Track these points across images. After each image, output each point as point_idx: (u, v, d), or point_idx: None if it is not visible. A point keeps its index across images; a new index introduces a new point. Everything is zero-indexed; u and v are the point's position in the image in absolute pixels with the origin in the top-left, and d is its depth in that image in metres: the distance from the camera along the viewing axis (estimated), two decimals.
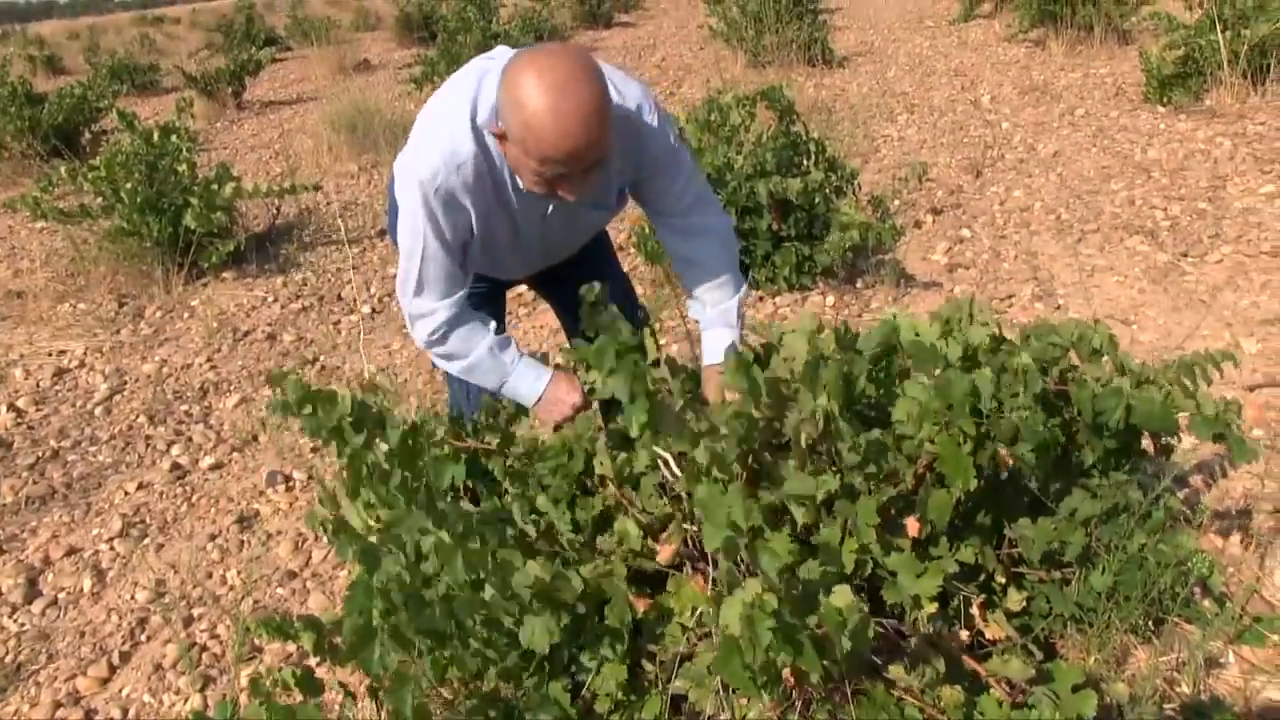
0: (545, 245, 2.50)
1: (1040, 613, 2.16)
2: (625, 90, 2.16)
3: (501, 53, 2.19)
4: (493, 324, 2.44)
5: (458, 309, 2.36)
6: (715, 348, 2.45)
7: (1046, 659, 2.14)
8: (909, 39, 13.02)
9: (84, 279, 6.20)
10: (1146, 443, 2.14)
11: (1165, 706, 2.03)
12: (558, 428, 2.43)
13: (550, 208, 2.28)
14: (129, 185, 5.90)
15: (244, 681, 2.72)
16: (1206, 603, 2.31)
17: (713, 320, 2.48)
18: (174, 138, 6.31)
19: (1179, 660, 2.24)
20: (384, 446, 2.32)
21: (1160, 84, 7.74)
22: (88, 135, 10.43)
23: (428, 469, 2.24)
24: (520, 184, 2.10)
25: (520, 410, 2.49)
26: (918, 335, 2.02)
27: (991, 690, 1.86)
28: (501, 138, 1.98)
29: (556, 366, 2.50)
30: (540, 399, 2.42)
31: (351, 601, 1.85)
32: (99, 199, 6.08)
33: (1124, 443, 2.03)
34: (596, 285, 2.09)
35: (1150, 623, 2.20)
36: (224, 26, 21.28)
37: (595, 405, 2.46)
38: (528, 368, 2.43)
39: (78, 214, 6.07)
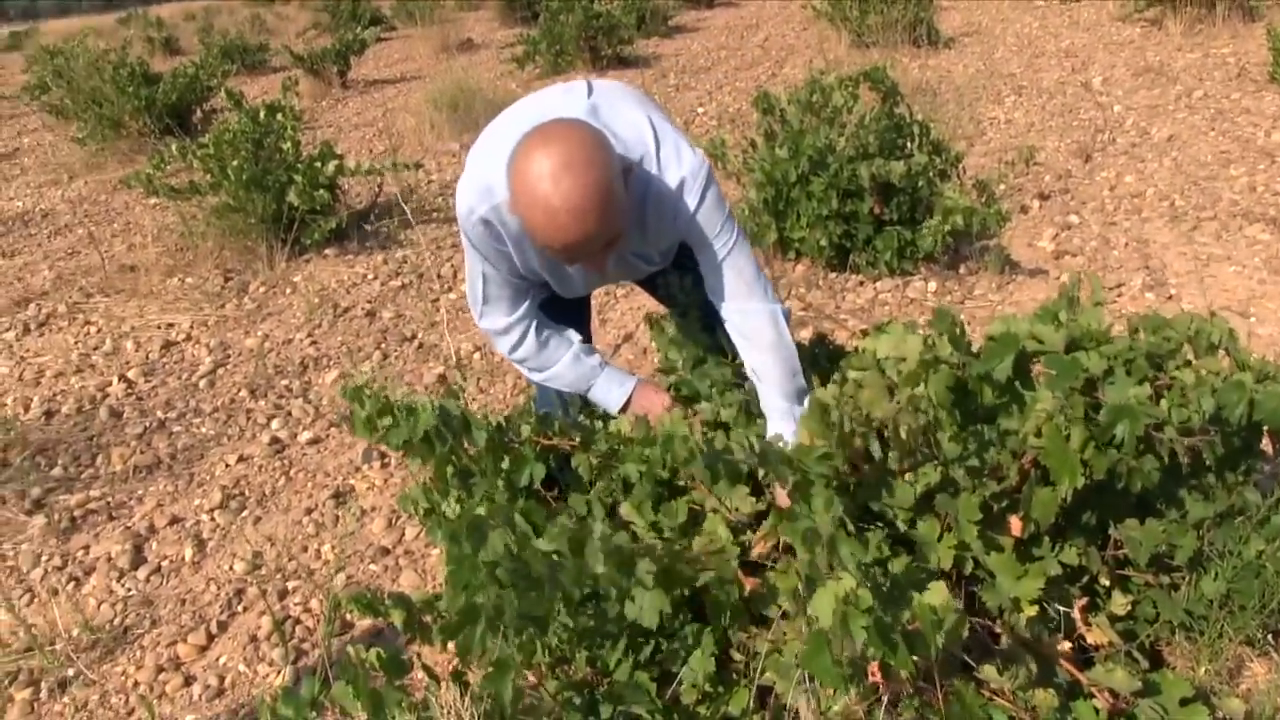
0: (607, 281, 2.56)
1: (1146, 618, 2.07)
2: (670, 165, 2.10)
3: (578, 90, 2.23)
4: (575, 335, 2.45)
5: (530, 321, 2.38)
6: (779, 424, 2.28)
7: (1152, 668, 2.05)
8: (1018, 19, 12.68)
9: (192, 254, 6.34)
10: (1266, 443, 2.04)
11: None
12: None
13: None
14: (235, 163, 6.00)
15: (334, 655, 2.76)
16: None
17: (783, 417, 2.28)
18: (279, 116, 6.41)
19: None
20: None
21: None
22: (199, 114, 10.68)
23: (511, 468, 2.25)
24: None
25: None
26: (1041, 343, 1.92)
27: (1093, 698, 1.78)
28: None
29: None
30: (627, 405, 2.43)
31: (456, 577, 1.84)
32: (207, 176, 6.20)
33: (1244, 442, 1.93)
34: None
35: (1269, 635, 2.10)
36: (331, 7, 21.61)
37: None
38: (612, 374, 2.44)
39: (187, 190, 6.20)
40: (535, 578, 1.77)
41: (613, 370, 2.45)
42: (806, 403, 2.22)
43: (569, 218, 1.79)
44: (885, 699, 1.74)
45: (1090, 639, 1.97)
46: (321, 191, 6.11)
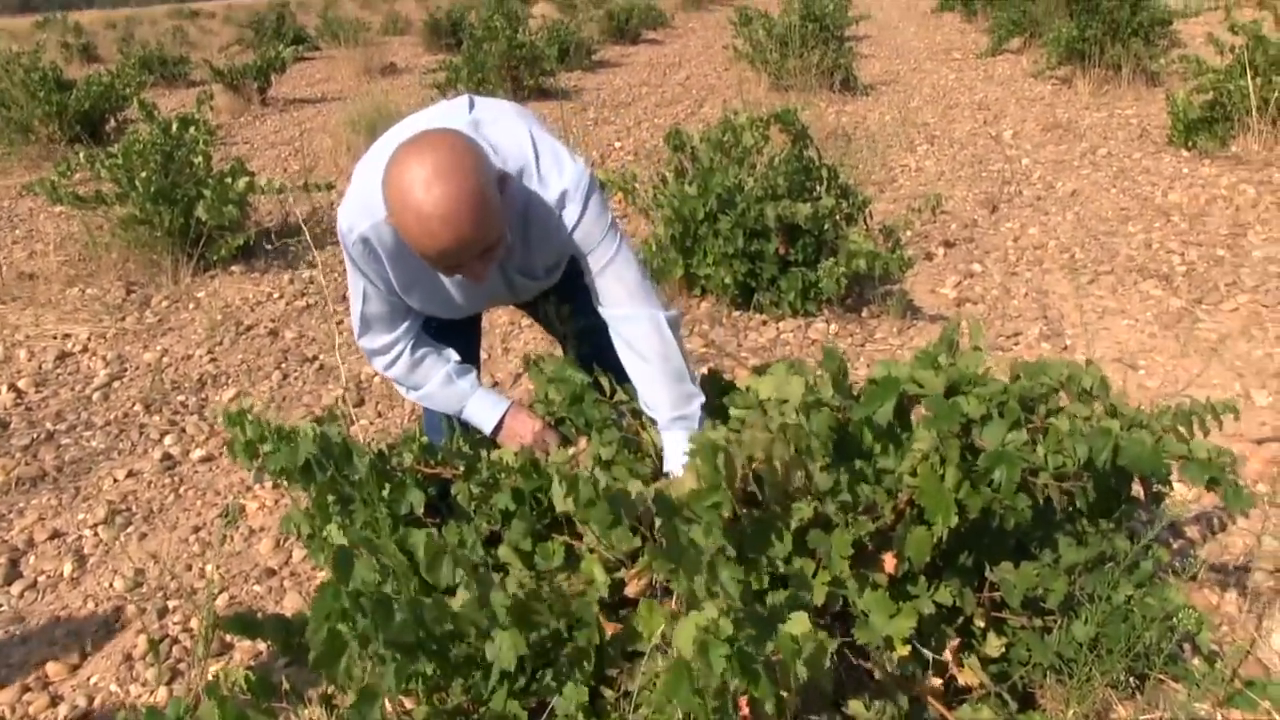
0: (494, 301, 2.52)
1: (1019, 660, 2.10)
2: (550, 177, 2.11)
3: (459, 104, 2.23)
4: (452, 354, 2.44)
5: (409, 341, 2.37)
6: (675, 453, 2.21)
7: (1023, 709, 2.08)
8: (935, 70, 12.97)
9: (95, 265, 6.20)
10: (1138, 489, 2.09)
11: None
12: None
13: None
14: (144, 174, 5.89)
15: (209, 678, 2.69)
16: (1196, 661, 2.25)
17: (668, 424, 2.26)
18: (192, 129, 6.31)
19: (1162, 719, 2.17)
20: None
21: (1186, 127, 7.67)
22: (112, 124, 10.48)
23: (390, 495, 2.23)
24: None
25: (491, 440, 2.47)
26: (921, 386, 1.95)
27: None
28: None
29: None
30: (499, 427, 2.41)
31: (319, 605, 1.81)
32: (115, 186, 6.08)
33: (1112, 487, 1.97)
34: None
35: (1134, 678, 2.14)
36: (256, 23, 21.43)
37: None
38: (484, 396, 2.43)
39: (93, 200, 6.07)
40: (398, 613, 1.75)
41: (485, 392, 2.43)
42: (697, 410, 2.23)
43: (441, 224, 1.78)
44: None
45: (961, 680, 1.99)
46: (231, 208, 6.01)
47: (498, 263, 2.10)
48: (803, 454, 1.75)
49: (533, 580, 2.11)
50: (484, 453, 2.34)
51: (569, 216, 2.12)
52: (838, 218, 4.89)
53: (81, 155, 6.37)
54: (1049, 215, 6.46)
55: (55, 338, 5.25)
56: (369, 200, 2.03)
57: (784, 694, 1.51)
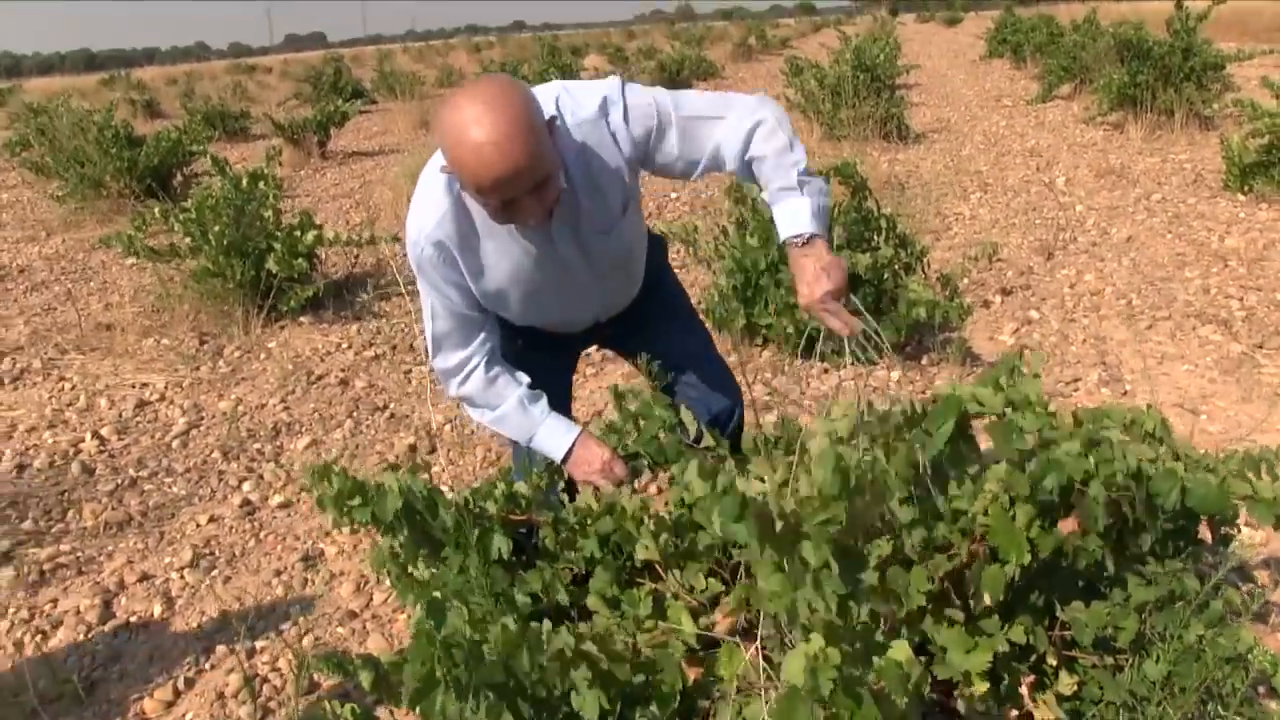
0: (578, 284, 2.47)
1: (1092, 698, 2.16)
2: (585, 96, 2.19)
3: None
4: (524, 377, 2.50)
5: (482, 358, 2.44)
6: (788, 219, 2.20)
7: None
8: (986, 118, 13.06)
9: (168, 315, 6.41)
10: (1205, 532, 2.15)
11: None
12: (596, 491, 2.47)
13: (558, 245, 2.31)
14: (217, 228, 6.10)
15: (302, 714, 2.79)
16: (1273, 705, 2.29)
17: (778, 194, 2.23)
18: (261, 184, 6.52)
19: None
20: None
21: (1241, 172, 7.68)
22: (180, 178, 10.80)
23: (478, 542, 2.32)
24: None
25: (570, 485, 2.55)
26: (981, 404, 2.04)
27: None
28: (454, 174, 2.05)
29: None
30: (569, 455, 2.47)
31: (416, 649, 1.91)
32: (188, 239, 6.29)
33: (1180, 528, 2.04)
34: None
35: (1207, 717, 2.19)
36: (313, 77, 21.92)
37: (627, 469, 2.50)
38: (556, 423, 2.49)
39: (167, 253, 6.29)
40: (490, 661, 1.85)
41: (557, 419, 2.49)
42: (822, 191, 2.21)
43: (494, 150, 1.86)
44: None
45: (1038, 716, 2.06)
46: (300, 260, 6.22)
47: (568, 225, 2.22)
48: (881, 484, 1.83)
49: (618, 627, 2.21)
50: (568, 499, 2.45)
51: (615, 115, 2.20)
52: (897, 267, 4.98)
53: (156, 210, 6.60)
54: (1105, 261, 6.50)
55: (134, 386, 5.44)
56: (431, 198, 2.19)
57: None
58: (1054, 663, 2.12)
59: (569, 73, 13.22)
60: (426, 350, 2.46)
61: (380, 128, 16.36)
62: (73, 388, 5.47)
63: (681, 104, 2.25)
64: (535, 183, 1.98)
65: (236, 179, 6.43)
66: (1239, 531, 2.12)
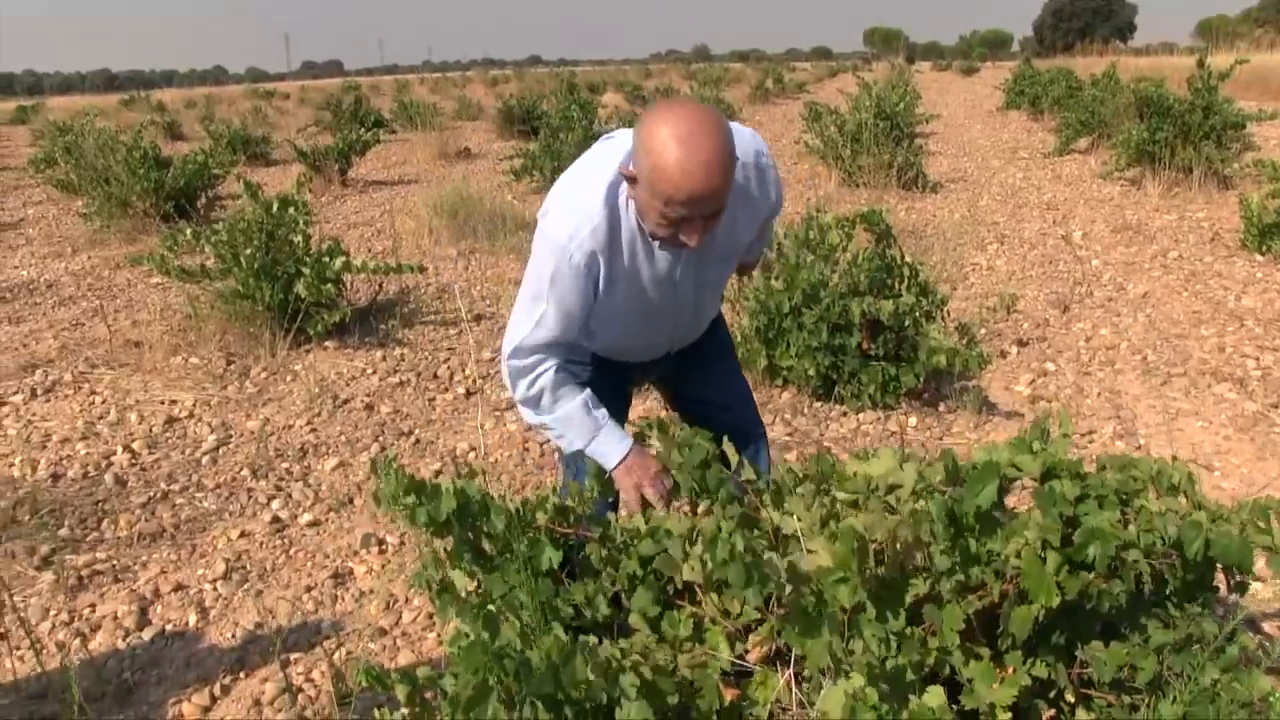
0: (675, 310, 2.61)
1: None
2: (745, 140, 2.37)
3: (621, 133, 2.41)
4: (585, 387, 2.58)
5: (557, 365, 2.51)
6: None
7: None
8: (1003, 169, 13.23)
9: (195, 335, 6.53)
10: (1220, 580, 2.26)
11: None
12: (644, 505, 2.57)
13: (679, 269, 2.44)
14: (248, 251, 6.24)
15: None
16: None
17: None
18: (291, 210, 6.66)
19: None
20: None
21: (1260, 232, 7.78)
22: (204, 199, 10.96)
23: (528, 552, 2.42)
24: (648, 236, 2.28)
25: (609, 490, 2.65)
26: (1019, 469, 2.16)
27: None
28: (632, 181, 2.16)
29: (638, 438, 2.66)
30: (623, 461, 2.54)
31: (468, 659, 2.00)
32: (219, 261, 6.42)
33: (1199, 577, 2.14)
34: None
35: None
36: (332, 105, 22.15)
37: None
38: (614, 430, 2.56)
39: (198, 274, 6.41)
40: (539, 672, 1.94)
41: (615, 426, 2.57)
42: None
43: (701, 168, 2.00)
44: None
45: None
46: (328, 285, 6.35)
47: (699, 251, 2.34)
48: (924, 538, 1.95)
49: (657, 646, 2.31)
50: (614, 516, 2.55)
51: (769, 166, 2.46)
52: (918, 314, 5.10)
53: (188, 231, 6.74)
54: (1120, 316, 6.62)
55: (163, 403, 5.55)
56: (585, 205, 2.27)
57: None
58: (1073, 700, 2.23)
59: (590, 111, 13.40)
60: (508, 343, 2.50)
61: (400, 157, 16.55)
62: (103, 401, 5.58)
63: None
64: (718, 208, 2.15)
65: (267, 203, 6.56)
66: (1254, 580, 2.22)
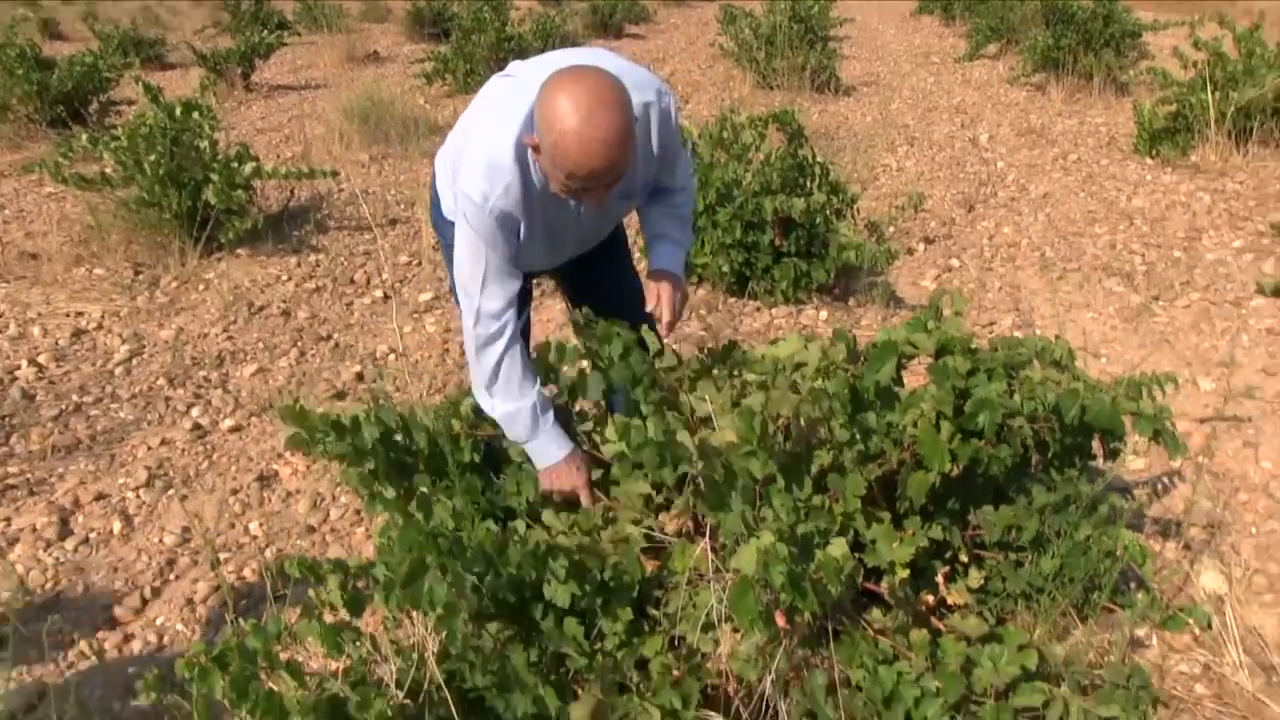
0: (579, 238, 2.74)
1: (995, 591, 2.45)
2: (642, 86, 2.40)
3: (518, 69, 2.47)
4: (539, 382, 2.62)
5: (515, 333, 2.54)
6: (667, 256, 2.73)
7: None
8: (914, 73, 13.37)
9: (99, 246, 6.40)
10: (1097, 448, 2.45)
11: (1094, 672, 2.33)
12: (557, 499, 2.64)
13: (583, 208, 2.52)
14: (152, 158, 6.11)
15: (267, 617, 2.98)
16: (1140, 595, 2.62)
17: (673, 241, 2.76)
18: (196, 114, 6.52)
19: (1109, 640, 2.56)
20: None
21: (1151, 137, 8.14)
22: (96, 104, 10.54)
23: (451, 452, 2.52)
24: (552, 188, 2.33)
25: None
26: (915, 347, 2.32)
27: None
28: (535, 149, 2.22)
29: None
30: (553, 466, 2.58)
31: (404, 537, 2.10)
32: (119, 168, 6.28)
33: (1077, 444, 2.33)
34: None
35: (1088, 605, 2.51)
36: (231, 6, 21.38)
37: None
38: (556, 434, 2.58)
39: (98, 182, 6.28)
40: (470, 552, 2.06)
41: (559, 431, 2.59)
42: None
43: (601, 146, 2.06)
44: (785, 640, 2.09)
45: (950, 600, 2.35)
46: (239, 192, 6.27)
47: None
48: (824, 412, 2.09)
49: (575, 531, 2.44)
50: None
51: (666, 123, 2.49)
52: (828, 213, 5.24)
53: (84, 138, 6.56)
54: (1022, 216, 6.89)
55: (68, 315, 5.47)
56: (495, 163, 2.30)
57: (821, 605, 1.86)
58: (965, 559, 2.42)
59: (501, 10, 13.17)
60: (465, 310, 2.53)
61: (305, 61, 16.10)
62: (2, 316, 5.47)
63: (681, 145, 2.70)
64: (619, 179, 2.22)
65: (170, 108, 6.41)
66: (1125, 446, 2.42)
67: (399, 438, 2.60)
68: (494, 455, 2.74)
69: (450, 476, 2.56)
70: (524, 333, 2.91)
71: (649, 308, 2.67)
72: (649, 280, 2.71)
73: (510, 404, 2.55)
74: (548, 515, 2.49)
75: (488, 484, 2.60)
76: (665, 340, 2.65)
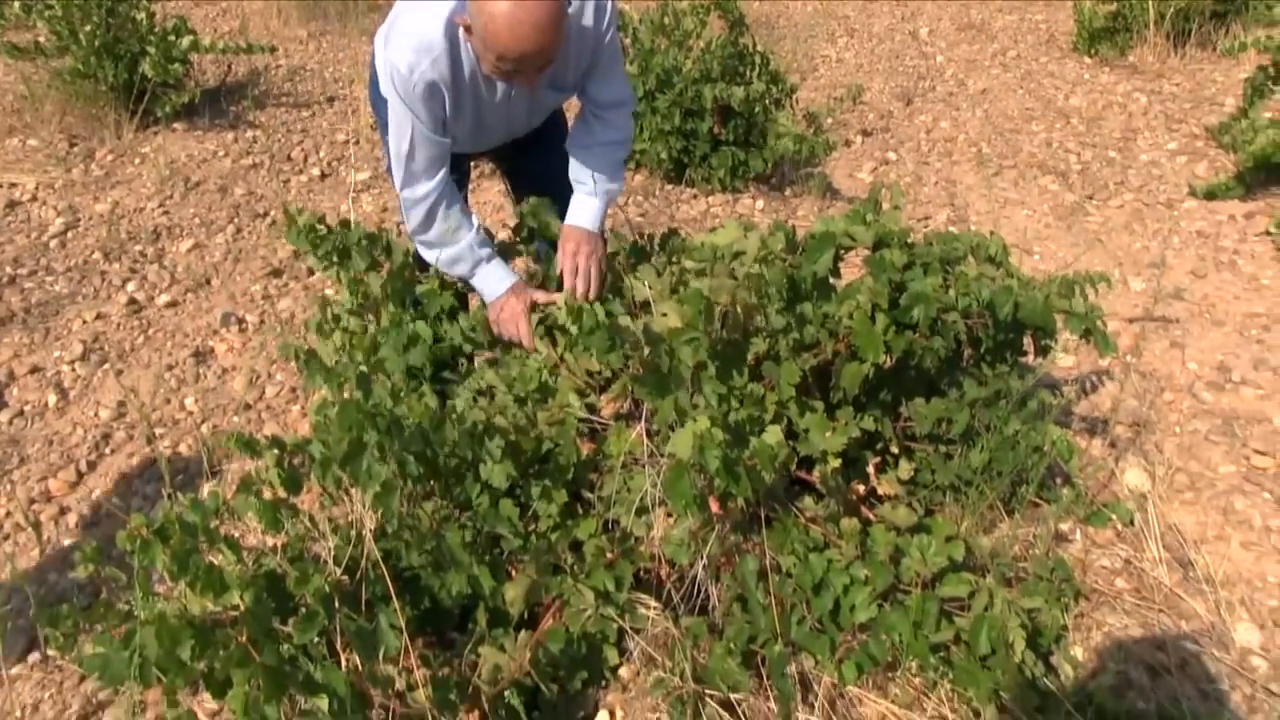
0: (509, 123, 2.76)
1: (925, 483, 2.52)
2: None
3: None
4: (476, 220, 2.71)
5: (446, 190, 2.61)
6: (583, 211, 2.73)
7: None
8: None
9: (31, 116, 6.22)
10: (1028, 345, 2.50)
11: (1019, 564, 2.41)
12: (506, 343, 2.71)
13: (513, 93, 2.53)
14: (88, 29, 5.92)
15: (206, 492, 2.99)
16: (1065, 490, 2.70)
17: (590, 191, 2.75)
18: None
19: (1034, 534, 2.64)
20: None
21: (1090, 36, 8.12)
22: None
23: (422, 298, 2.55)
24: (483, 70, 2.34)
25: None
26: (853, 239, 2.34)
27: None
28: (467, 29, 2.22)
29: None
30: (497, 299, 2.67)
31: (342, 416, 2.11)
32: (53, 38, 6.09)
33: (1009, 340, 2.38)
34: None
35: (1015, 499, 2.58)
36: None
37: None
38: (497, 268, 2.69)
39: (32, 51, 6.08)
40: (410, 431, 2.08)
41: (500, 265, 2.70)
42: (618, 189, 2.78)
43: (531, 29, 2.07)
44: (718, 526, 2.13)
45: (881, 490, 2.41)
46: (175, 65, 6.10)
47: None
48: (762, 300, 2.11)
49: (516, 405, 2.46)
50: None
51: (601, 20, 2.46)
52: (767, 102, 5.22)
53: (16, 5, 6.34)
54: (960, 111, 6.87)
55: (1, 186, 5.34)
56: (425, 37, 2.30)
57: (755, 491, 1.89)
58: (896, 451, 2.47)
59: None
60: (396, 176, 2.58)
61: None
62: None
63: (620, 51, 2.68)
64: (549, 62, 2.22)
65: None
66: (1056, 344, 2.47)
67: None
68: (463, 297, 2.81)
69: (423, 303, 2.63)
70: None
71: (557, 269, 2.68)
72: (561, 240, 2.70)
73: (449, 249, 2.66)
74: (490, 375, 2.52)
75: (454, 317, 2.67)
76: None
